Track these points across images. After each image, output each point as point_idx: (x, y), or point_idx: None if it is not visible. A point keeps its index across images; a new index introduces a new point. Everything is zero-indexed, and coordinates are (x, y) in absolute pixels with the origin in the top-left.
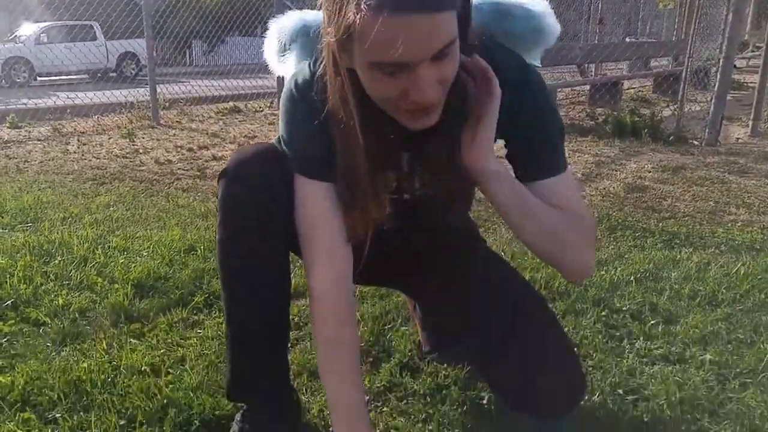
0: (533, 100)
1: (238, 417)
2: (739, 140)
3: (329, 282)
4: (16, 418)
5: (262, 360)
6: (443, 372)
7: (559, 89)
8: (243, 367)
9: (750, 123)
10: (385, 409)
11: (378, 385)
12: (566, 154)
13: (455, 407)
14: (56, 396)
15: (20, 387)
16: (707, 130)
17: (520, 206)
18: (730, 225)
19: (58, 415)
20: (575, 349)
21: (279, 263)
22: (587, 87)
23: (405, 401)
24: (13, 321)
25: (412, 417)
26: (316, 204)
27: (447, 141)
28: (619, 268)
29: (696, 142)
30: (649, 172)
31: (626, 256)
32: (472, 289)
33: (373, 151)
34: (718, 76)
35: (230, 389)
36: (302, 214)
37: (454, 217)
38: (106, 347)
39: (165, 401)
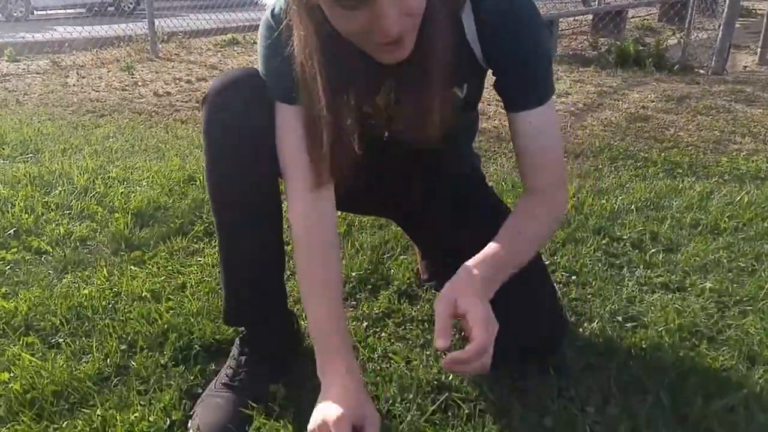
0: (518, 36)
1: (237, 341)
2: (747, 68)
3: (308, 215)
4: (20, 342)
5: (256, 286)
6: None
7: (561, 19)
8: (237, 293)
9: (758, 51)
10: (383, 334)
11: (376, 311)
12: (553, 81)
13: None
14: (58, 321)
15: (23, 312)
16: (714, 59)
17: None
18: (734, 154)
19: (60, 340)
20: (558, 292)
21: (266, 187)
22: (590, 17)
23: (403, 327)
24: (16, 249)
25: (410, 342)
26: (293, 131)
27: (422, 74)
28: (620, 197)
29: (702, 71)
30: (653, 101)
31: (627, 185)
32: (458, 232)
33: (337, 94)
34: (727, 2)
35: (226, 315)
36: (281, 141)
37: (446, 151)
38: (107, 274)
39: (165, 326)
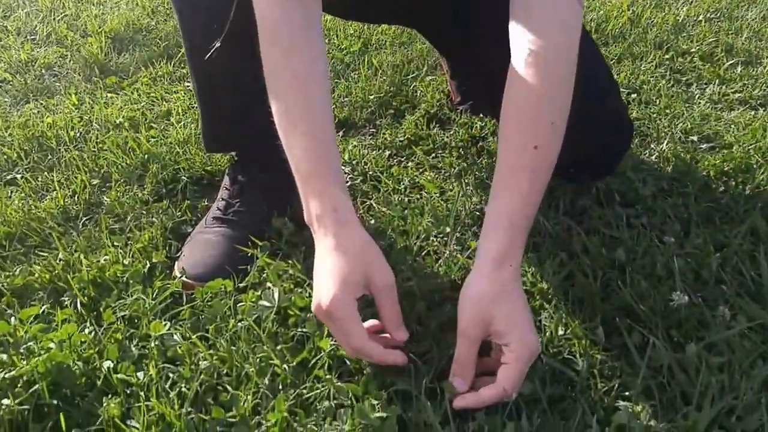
0: None
1: (228, 169)
2: None
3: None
4: None
5: (236, 98)
6: (478, 123)
7: None
8: (215, 111)
9: None
10: (409, 164)
11: (401, 138)
12: None
13: (492, 160)
14: (15, 155)
15: None
16: None
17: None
18: None
19: (18, 176)
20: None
21: None
22: None
23: (434, 155)
24: None
25: (443, 171)
26: None
27: None
28: (685, 8)
29: None
30: None
31: None
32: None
33: None
34: None
35: (207, 139)
36: None
37: None
38: (76, 102)
39: (146, 157)
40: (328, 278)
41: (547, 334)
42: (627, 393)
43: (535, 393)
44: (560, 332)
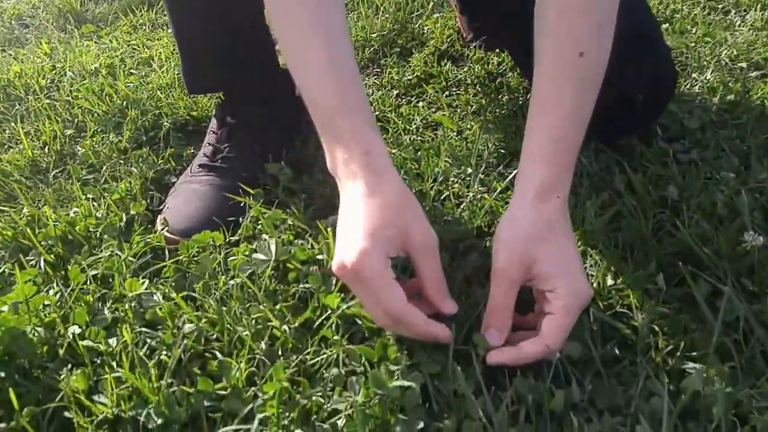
0: None
1: (215, 111)
2: None
3: None
4: None
5: (219, 36)
6: (495, 58)
7: None
8: (196, 47)
9: None
10: (420, 103)
11: (409, 76)
12: None
13: (513, 96)
14: None
15: None
16: None
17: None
18: None
19: None
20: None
21: None
22: None
23: (447, 93)
24: None
25: (459, 109)
26: None
27: None
28: None
29: None
30: None
31: None
32: None
33: None
34: None
35: (188, 78)
36: None
37: None
38: (48, 50)
39: (124, 103)
40: (356, 230)
41: (594, 284)
42: (695, 353)
43: (586, 354)
44: (609, 282)
